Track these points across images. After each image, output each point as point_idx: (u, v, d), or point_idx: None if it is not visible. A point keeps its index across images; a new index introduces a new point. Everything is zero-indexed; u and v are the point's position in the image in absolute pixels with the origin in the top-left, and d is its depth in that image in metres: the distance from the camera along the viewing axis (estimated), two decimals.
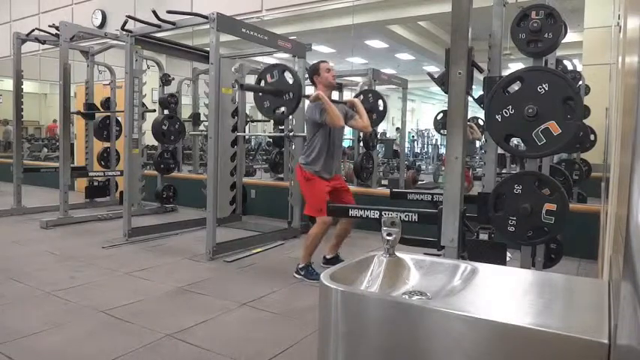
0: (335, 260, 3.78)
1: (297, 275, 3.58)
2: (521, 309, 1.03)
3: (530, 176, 2.33)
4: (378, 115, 5.37)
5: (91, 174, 6.61)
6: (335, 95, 6.69)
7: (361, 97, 4.98)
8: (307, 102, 3.64)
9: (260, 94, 3.80)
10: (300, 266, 3.58)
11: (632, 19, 1.15)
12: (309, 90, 3.78)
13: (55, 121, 14.26)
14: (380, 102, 5.40)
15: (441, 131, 6.27)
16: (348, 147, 7.17)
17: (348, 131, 7.33)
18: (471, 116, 5.77)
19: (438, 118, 6.52)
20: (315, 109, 3.47)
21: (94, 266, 3.82)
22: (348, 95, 8.53)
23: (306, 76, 4.18)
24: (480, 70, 2.65)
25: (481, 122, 6.24)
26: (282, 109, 3.77)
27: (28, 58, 7.87)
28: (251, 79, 4.70)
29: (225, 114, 5.43)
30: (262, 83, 3.85)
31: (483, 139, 3.47)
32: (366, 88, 5.99)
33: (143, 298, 3.09)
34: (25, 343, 2.42)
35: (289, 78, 3.77)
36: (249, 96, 4.84)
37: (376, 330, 1.03)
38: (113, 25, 7.81)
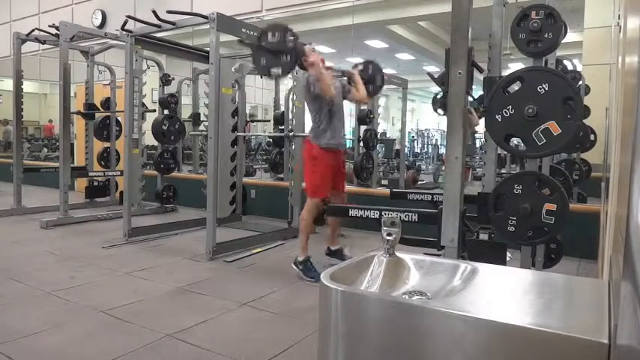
0: (339, 253, 3.85)
1: (294, 267, 3.61)
2: (521, 309, 1.03)
3: (530, 176, 2.33)
4: (374, 89, 5.27)
5: (91, 174, 6.62)
6: None
7: (360, 67, 4.90)
8: (304, 79, 3.65)
9: (258, 49, 3.75)
10: (300, 259, 3.60)
11: (632, 19, 1.15)
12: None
13: (51, 121, 14.27)
14: (378, 77, 5.28)
15: (438, 110, 6.15)
16: (349, 148, 7.17)
17: (348, 131, 7.33)
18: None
19: (438, 97, 6.36)
20: (310, 82, 3.53)
21: (94, 266, 3.82)
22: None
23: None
24: (480, 70, 2.65)
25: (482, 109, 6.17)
26: (278, 69, 3.73)
27: (28, 58, 7.87)
28: (251, 79, 4.69)
29: (225, 114, 5.44)
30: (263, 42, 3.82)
31: (483, 140, 3.47)
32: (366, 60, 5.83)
33: (143, 298, 3.09)
34: (25, 343, 2.42)
35: (290, 41, 3.74)
36: (250, 96, 4.84)
37: (376, 330, 1.03)
38: (113, 25, 7.81)
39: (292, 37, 3.54)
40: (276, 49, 3.55)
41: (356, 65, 4.32)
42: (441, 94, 6.03)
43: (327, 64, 3.65)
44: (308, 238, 3.64)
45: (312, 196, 3.60)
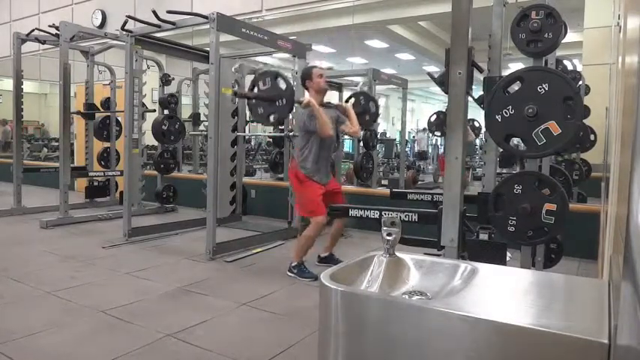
0: (329, 259, 3.84)
1: (289, 273, 3.60)
2: (521, 309, 1.03)
3: (530, 176, 2.33)
4: (370, 117, 5.35)
5: (91, 174, 6.61)
6: (335, 96, 6.73)
7: (352, 100, 4.97)
8: (299, 109, 3.64)
9: (253, 100, 3.82)
10: (293, 264, 3.60)
11: (632, 19, 1.15)
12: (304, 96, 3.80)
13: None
14: (371, 104, 5.38)
15: (435, 133, 6.22)
16: (345, 152, 7.20)
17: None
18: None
19: (432, 119, 6.50)
20: (305, 116, 3.49)
21: (94, 266, 3.82)
22: (347, 95, 8.48)
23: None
24: (480, 70, 2.65)
25: (477, 124, 6.24)
26: (276, 115, 3.79)
27: (28, 58, 7.87)
28: (251, 79, 4.70)
29: (225, 114, 5.44)
30: (255, 90, 3.88)
31: (483, 140, 3.47)
32: (357, 90, 5.96)
33: (143, 298, 3.09)
34: (25, 343, 2.42)
35: (282, 84, 3.79)
36: None
37: (376, 330, 1.03)
38: (113, 25, 7.82)
39: (284, 81, 3.60)
40: (271, 97, 3.60)
41: (348, 99, 4.37)
42: (435, 116, 6.15)
43: (321, 70, 3.66)
44: (306, 252, 3.59)
45: (310, 215, 3.56)
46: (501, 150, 2.90)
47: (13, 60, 6.20)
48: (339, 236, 3.90)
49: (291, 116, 5.40)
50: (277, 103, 3.72)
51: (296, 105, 3.71)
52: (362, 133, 5.16)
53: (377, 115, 5.09)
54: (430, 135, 15.33)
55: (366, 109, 5.21)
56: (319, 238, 3.63)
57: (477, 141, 12.07)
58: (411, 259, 1.31)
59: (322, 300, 1.11)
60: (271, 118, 3.75)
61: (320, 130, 3.43)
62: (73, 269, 3.72)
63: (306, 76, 3.60)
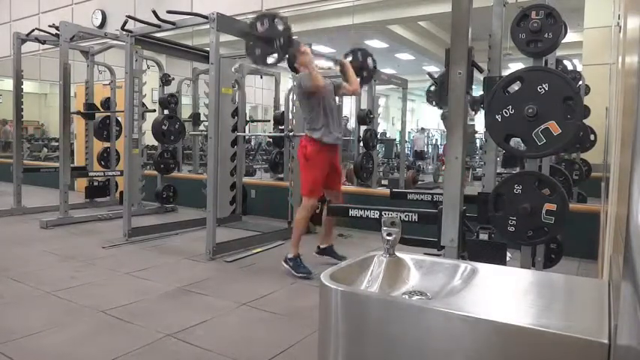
0: (329, 250, 3.87)
1: (285, 264, 3.63)
2: (521, 309, 1.03)
3: (530, 176, 2.33)
4: (368, 73, 5.22)
5: (91, 174, 6.61)
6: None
7: (350, 56, 4.86)
8: (298, 78, 3.68)
9: (251, 42, 3.77)
10: (289, 256, 3.63)
11: (632, 19, 1.15)
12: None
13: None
14: (370, 60, 5.26)
15: (432, 103, 6.10)
16: (347, 150, 7.16)
17: (347, 131, 7.33)
18: None
19: (431, 89, 6.29)
20: (303, 79, 3.56)
21: (94, 266, 3.82)
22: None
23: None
24: (480, 70, 2.65)
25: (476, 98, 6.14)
26: (273, 56, 3.75)
27: (28, 58, 7.87)
28: (251, 79, 4.69)
29: (225, 114, 5.44)
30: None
31: (483, 140, 3.47)
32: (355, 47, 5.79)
33: (143, 298, 3.09)
34: (25, 343, 2.42)
35: (280, 25, 3.76)
36: (250, 96, 4.83)
37: (376, 330, 1.03)
38: (113, 25, 7.81)
39: (282, 22, 3.58)
40: (268, 37, 3.57)
41: (346, 55, 4.36)
42: (434, 86, 6.03)
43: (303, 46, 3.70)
44: (300, 238, 3.66)
45: (308, 195, 3.62)
46: (503, 151, 2.91)
47: (13, 60, 6.20)
48: (332, 224, 3.98)
49: (291, 116, 5.41)
50: (275, 45, 3.69)
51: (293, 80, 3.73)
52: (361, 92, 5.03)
53: (375, 71, 4.93)
54: (429, 135, 15.39)
55: (364, 65, 5.08)
56: (319, 238, 3.64)
57: (477, 142, 12.08)
58: (411, 259, 1.31)
59: (322, 300, 1.11)
60: (269, 59, 3.72)
61: (313, 81, 3.48)
62: (73, 269, 3.72)
63: (292, 57, 3.64)
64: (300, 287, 3.40)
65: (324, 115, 3.62)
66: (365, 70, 4.80)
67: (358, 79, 4.03)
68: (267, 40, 3.59)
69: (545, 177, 2.37)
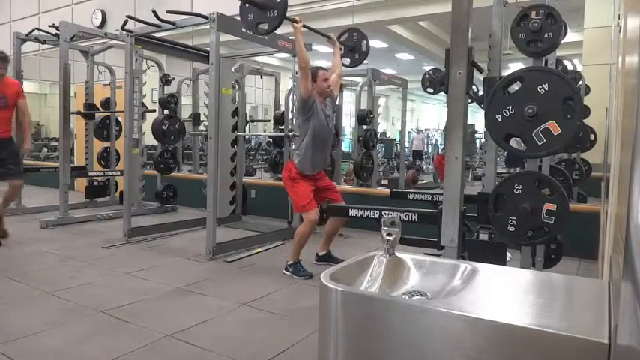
0: (327, 257, 3.87)
1: (285, 272, 3.63)
2: (521, 309, 1.03)
3: (530, 176, 2.33)
4: (360, 56, 5.20)
5: (91, 174, 6.61)
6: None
7: (346, 35, 4.84)
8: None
9: (246, 4, 3.73)
10: (289, 262, 3.63)
11: (632, 19, 1.15)
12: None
13: None
14: (364, 43, 5.23)
15: (428, 89, 6.06)
16: (345, 152, 7.15)
17: (348, 131, 7.32)
18: None
19: (427, 76, 6.22)
20: (297, 86, 3.64)
21: (94, 266, 3.82)
22: (347, 94, 8.48)
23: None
24: (480, 70, 2.65)
25: (474, 89, 6.08)
26: (265, 24, 3.70)
27: (28, 58, 7.87)
28: (251, 79, 4.68)
29: (225, 114, 5.44)
30: None
31: (483, 140, 3.47)
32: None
33: (143, 298, 3.09)
34: (25, 343, 2.42)
35: None
36: (249, 96, 4.82)
37: (376, 330, 1.03)
38: (113, 25, 7.82)
39: None
40: (263, 4, 3.54)
41: (342, 34, 4.37)
42: (431, 72, 6.01)
43: (327, 74, 3.70)
44: (300, 250, 3.64)
45: (303, 210, 3.59)
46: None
47: (13, 60, 6.19)
48: (334, 235, 3.93)
49: (291, 116, 5.41)
50: (269, 14, 3.65)
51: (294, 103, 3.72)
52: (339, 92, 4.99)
53: (367, 54, 4.92)
54: (430, 135, 15.41)
55: (357, 47, 5.05)
56: (319, 237, 3.64)
57: (477, 142, 12.09)
58: (411, 259, 1.31)
59: (322, 300, 1.11)
60: (260, 27, 3.67)
61: (298, 53, 3.52)
62: (73, 269, 3.72)
63: (312, 76, 3.62)
64: (300, 287, 3.40)
65: (312, 147, 3.58)
66: (357, 52, 4.78)
67: (348, 60, 4.18)
68: (261, 6, 3.55)
69: (545, 177, 2.37)
